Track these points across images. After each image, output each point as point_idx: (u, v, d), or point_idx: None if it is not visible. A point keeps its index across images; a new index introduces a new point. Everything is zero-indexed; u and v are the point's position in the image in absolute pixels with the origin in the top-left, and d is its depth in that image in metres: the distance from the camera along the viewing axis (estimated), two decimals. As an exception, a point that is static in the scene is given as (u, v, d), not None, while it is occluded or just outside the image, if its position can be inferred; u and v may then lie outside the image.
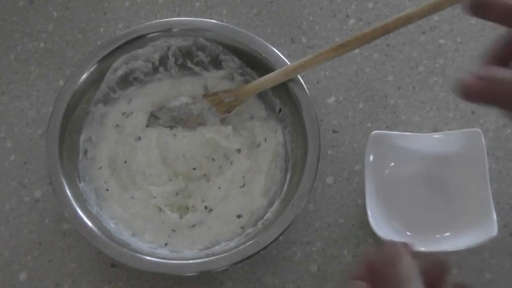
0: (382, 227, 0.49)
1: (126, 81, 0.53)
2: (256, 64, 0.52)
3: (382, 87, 0.59)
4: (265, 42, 0.52)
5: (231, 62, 0.53)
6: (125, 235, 0.48)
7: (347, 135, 0.56)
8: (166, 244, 0.49)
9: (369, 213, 0.49)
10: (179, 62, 0.54)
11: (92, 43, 0.61)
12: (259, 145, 0.53)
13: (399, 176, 0.53)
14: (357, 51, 0.60)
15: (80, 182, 0.49)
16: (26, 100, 0.58)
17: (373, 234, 0.49)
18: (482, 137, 0.51)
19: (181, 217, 0.50)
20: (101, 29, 0.61)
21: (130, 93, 0.54)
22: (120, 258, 0.44)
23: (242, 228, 0.50)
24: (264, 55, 0.51)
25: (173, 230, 0.50)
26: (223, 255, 0.45)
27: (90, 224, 0.46)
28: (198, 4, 0.62)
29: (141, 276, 0.51)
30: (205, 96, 0.53)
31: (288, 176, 0.50)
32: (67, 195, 0.46)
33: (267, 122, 0.54)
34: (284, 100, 0.52)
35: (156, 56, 0.53)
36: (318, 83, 0.58)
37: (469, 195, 0.51)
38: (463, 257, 0.52)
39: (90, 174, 0.51)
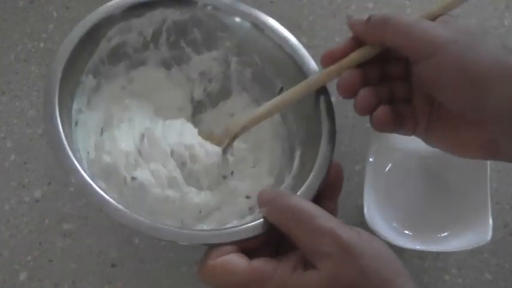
0: (381, 226, 0.49)
1: (116, 55, 0.50)
2: (257, 45, 0.50)
3: (382, 87, 0.59)
4: (270, 19, 0.50)
5: (228, 41, 0.51)
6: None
7: (347, 135, 0.56)
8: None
9: (365, 211, 0.49)
10: (171, 39, 0.51)
11: (92, 43, 0.61)
12: None
13: (399, 175, 0.53)
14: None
15: (77, 153, 0.45)
16: (26, 100, 0.58)
17: (373, 234, 0.49)
18: None
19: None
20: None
21: (119, 72, 0.51)
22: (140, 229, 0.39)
23: (250, 208, 0.48)
24: (266, 33, 0.49)
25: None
26: (245, 226, 0.40)
27: (98, 189, 0.41)
28: (198, 4, 0.62)
29: (141, 276, 0.51)
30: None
31: (298, 153, 0.48)
32: (73, 162, 0.41)
33: (253, 106, 0.52)
34: (287, 78, 0.49)
35: (150, 30, 0.50)
36: (318, 83, 0.58)
37: (468, 197, 0.51)
38: (463, 257, 0.52)
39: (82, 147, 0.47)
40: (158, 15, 0.50)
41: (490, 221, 0.48)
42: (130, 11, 0.49)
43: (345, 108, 0.57)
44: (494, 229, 0.48)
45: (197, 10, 0.50)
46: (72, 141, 0.44)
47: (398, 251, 0.51)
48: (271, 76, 0.51)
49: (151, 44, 0.51)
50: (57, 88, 0.44)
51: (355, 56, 0.42)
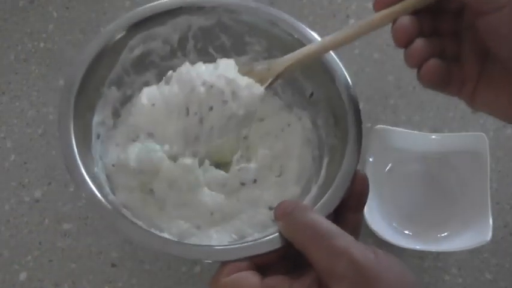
0: (381, 227, 0.49)
1: (141, 64, 0.49)
2: (287, 48, 0.48)
3: (382, 87, 0.59)
4: (298, 23, 0.49)
5: (257, 45, 0.50)
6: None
7: (347, 135, 0.56)
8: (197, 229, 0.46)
9: (365, 211, 0.49)
10: (199, 46, 0.50)
11: (92, 43, 0.61)
12: (283, 130, 0.50)
13: (399, 175, 0.53)
14: (356, 51, 0.60)
15: (95, 167, 0.45)
16: (26, 100, 0.58)
17: (372, 234, 0.49)
18: (487, 142, 0.51)
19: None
20: (101, 29, 0.61)
21: (149, 82, 0.50)
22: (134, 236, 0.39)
23: (273, 220, 0.45)
24: (296, 36, 0.48)
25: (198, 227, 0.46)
26: (260, 241, 0.39)
27: (103, 199, 0.41)
28: (198, 4, 0.62)
29: (141, 276, 0.51)
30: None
31: (326, 161, 0.47)
32: (84, 177, 0.41)
33: (285, 110, 0.51)
34: (316, 83, 0.48)
35: (176, 37, 0.49)
36: (318, 83, 0.58)
37: (468, 198, 0.51)
38: (463, 257, 0.52)
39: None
40: (182, 22, 0.49)
41: (490, 221, 0.48)
42: (151, 20, 0.48)
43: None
44: (494, 229, 0.48)
45: (222, 15, 0.49)
46: (91, 156, 0.44)
47: (399, 251, 0.52)
48: (302, 80, 0.49)
49: (179, 52, 0.50)
50: (72, 104, 0.43)
51: (411, 1, 0.39)
